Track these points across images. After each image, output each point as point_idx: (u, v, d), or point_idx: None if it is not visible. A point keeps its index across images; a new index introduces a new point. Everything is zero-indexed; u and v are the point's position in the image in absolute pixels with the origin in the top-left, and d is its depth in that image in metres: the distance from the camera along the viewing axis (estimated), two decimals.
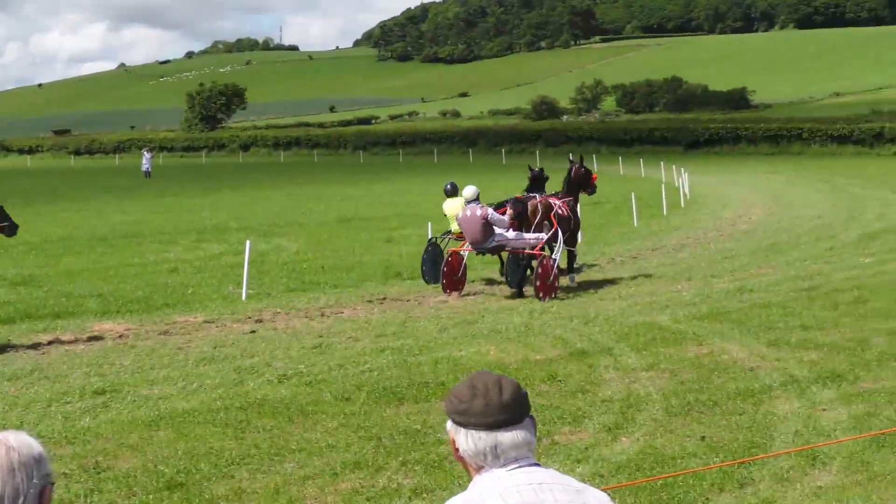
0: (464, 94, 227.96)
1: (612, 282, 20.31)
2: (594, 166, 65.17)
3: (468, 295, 19.12)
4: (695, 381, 11.82)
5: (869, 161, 64.25)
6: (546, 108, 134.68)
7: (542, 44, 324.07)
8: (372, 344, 14.53)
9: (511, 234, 18.96)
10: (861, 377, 11.80)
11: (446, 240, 21.16)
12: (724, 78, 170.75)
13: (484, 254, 19.57)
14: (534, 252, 18.95)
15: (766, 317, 15.61)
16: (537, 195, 20.45)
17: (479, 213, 18.55)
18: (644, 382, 11.81)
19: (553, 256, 18.90)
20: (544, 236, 19.27)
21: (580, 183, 21.28)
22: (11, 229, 15.43)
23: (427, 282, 20.19)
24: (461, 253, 19.62)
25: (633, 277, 20.76)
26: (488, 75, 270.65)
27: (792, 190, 43.68)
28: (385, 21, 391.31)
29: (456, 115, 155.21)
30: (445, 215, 21.39)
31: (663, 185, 38.21)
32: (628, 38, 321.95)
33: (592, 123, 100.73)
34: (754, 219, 31.85)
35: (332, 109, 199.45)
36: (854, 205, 34.89)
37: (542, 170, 22.50)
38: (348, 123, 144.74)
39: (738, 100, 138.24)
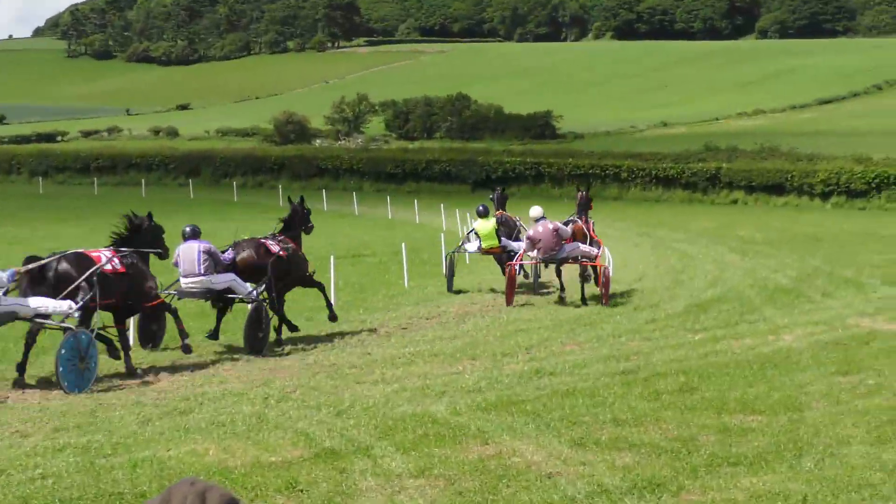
0: (183, 107, 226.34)
1: (373, 360, 20.42)
2: (354, 207, 65.76)
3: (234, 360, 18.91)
4: (477, 490, 11.98)
5: (701, 210, 66.47)
6: (293, 130, 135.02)
7: (290, 44, 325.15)
8: (47, 440, 14.18)
9: (570, 245, 27.85)
10: (686, 486, 12.19)
11: (456, 256, 31.88)
12: (524, 98, 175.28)
13: (555, 264, 28.43)
14: (595, 264, 28.46)
15: (571, 408, 15.96)
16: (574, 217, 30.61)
17: (550, 226, 27.56)
18: (412, 493, 11.90)
19: (607, 266, 28.86)
20: (597, 251, 28.82)
21: (584, 208, 30.91)
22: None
23: (449, 291, 30.10)
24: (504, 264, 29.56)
25: (401, 354, 20.94)
26: (217, 83, 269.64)
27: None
28: (78, 5, 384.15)
29: (173, 133, 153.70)
30: (477, 234, 31.31)
31: (443, 235, 38.75)
32: (402, 41, 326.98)
33: (354, 151, 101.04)
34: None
35: (1, 120, 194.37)
36: (682, 265, 36.10)
37: (503, 188, 35.08)
38: (24, 140, 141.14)
39: (540, 127, 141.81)
